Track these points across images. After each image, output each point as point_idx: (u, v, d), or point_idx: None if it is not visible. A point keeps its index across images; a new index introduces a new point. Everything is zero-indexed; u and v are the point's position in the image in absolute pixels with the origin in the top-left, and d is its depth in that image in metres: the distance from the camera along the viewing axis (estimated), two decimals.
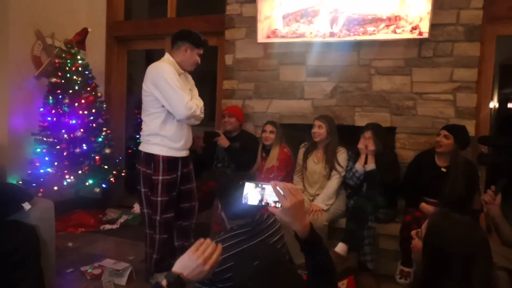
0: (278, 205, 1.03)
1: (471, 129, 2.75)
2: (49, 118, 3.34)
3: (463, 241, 1.02)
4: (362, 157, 2.66)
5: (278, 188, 1.02)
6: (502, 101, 5.75)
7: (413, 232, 1.23)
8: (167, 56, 2.30)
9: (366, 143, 2.64)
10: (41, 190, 3.16)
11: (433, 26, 2.74)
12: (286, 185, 1.02)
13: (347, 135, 2.88)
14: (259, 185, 1.06)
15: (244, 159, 2.95)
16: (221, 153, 3.09)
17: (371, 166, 2.61)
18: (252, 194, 1.06)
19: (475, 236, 1.03)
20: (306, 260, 1.15)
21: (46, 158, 3.29)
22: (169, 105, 2.16)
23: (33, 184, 3.17)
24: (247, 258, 1.14)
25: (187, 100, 2.15)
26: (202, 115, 2.32)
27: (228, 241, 1.43)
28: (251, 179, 1.12)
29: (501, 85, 5.85)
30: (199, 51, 2.31)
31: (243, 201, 1.06)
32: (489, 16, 2.81)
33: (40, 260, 1.88)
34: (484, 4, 2.73)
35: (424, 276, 1.08)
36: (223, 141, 2.96)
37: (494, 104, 5.49)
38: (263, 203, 1.05)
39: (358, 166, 2.65)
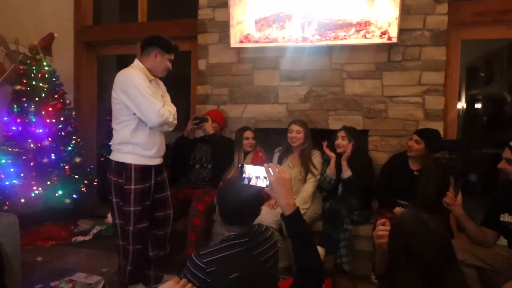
0: (261, 183, 1.22)
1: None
2: (14, 128, 3.20)
3: (409, 234, 1.04)
4: (332, 162, 2.69)
5: (269, 166, 1.20)
6: (470, 102, 6.01)
7: (379, 222, 1.29)
8: (136, 62, 2.24)
9: (340, 142, 2.70)
10: (7, 203, 3.01)
11: (401, 31, 2.82)
12: (274, 165, 1.21)
13: (321, 139, 2.91)
14: (254, 167, 1.24)
15: (224, 151, 2.95)
16: (200, 153, 3.06)
17: (347, 173, 2.63)
18: (247, 174, 1.24)
19: (426, 230, 1.04)
20: (292, 244, 1.23)
21: (12, 170, 3.13)
22: (140, 113, 2.11)
23: None
24: (225, 269, 1.12)
25: (159, 107, 2.11)
26: (175, 122, 2.28)
27: (224, 251, 1.40)
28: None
29: (468, 87, 6.12)
30: (170, 57, 2.27)
31: (243, 182, 1.23)
32: (454, 21, 2.92)
33: (4, 277, 1.78)
34: (449, 10, 2.84)
35: (387, 267, 1.12)
36: (210, 127, 2.93)
37: (462, 105, 5.73)
38: (248, 180, 1.23)
39: (329, 171, 2.69)
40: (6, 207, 2.97)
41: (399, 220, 1.11)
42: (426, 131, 2.60)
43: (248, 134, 2.96)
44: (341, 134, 2.73)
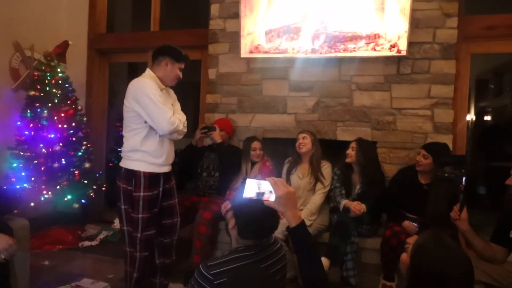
0: (272, 197, 1.22)
1: (448, 144, 2.82)
2: (26, 132, 3.25)
3: (441, 261, 1.03)
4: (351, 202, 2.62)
5: (273, 181, 1.23)
6: (479, 114, 5.97)
7: (407, 246, 1.25)
8: (148, 71, 2.28)
9: (349, 152, 2.70)
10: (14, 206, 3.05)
11: (410, 44, 2.83)
12: (279, 179, 1.24)
13: (329, 149, 2.92)
14: (258, 181, 1.25)
15: (231, 160, 2.96)
16: (207, 161, 3.08)
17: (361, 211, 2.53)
18: (251, 188, 1.25)
19: (455, 259, 1.04)
20: (297, 257, 1.24)
21: (23, 173, 3.19)
22: (151, 121, 2.14)
23: None
24: (237, 283, 1.13)
25: (170, 115, 2.14)
26: (185, 130, 2.31)
27: (233, 263, 1.38)
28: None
29: (477, 99, 6.08)
30: (180, 65, 2.30)
31: (244, 196, 1.23)
32: (464, 35, 2.93)
33: (10, 281, 1.80)
34: (459, 23, 2.85)
35: None
36: (217, 136, 2.95)
37: (471, 117, 5.69)
38: (260, 195, 1.24)
39: (343, 203, 2.63)
40: (16, 211, 3.01)
41: (423, 247, 1.09)
42: (434, 146, 2.57)
43: (256, 144, 2.97)
44: (352, 145, 2.73)
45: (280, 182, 1.22)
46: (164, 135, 2.20)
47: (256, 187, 1.24)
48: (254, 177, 1.27)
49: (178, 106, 2.38)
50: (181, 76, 2.33)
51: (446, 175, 2.48)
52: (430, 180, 2.52)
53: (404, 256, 1.17)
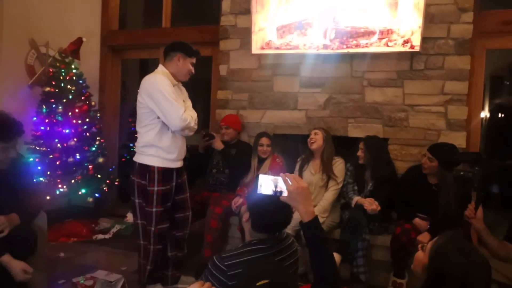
0: (285, 193, 1.24)
1: (461, 141, 2.79)
2: (42, 127, 3.33)
3: (465, 267, 1.03)
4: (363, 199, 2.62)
5: (285, 176, 1.24)
6: (493, 111, 5.86)
7: (420, 246, 1.24)
8: (160, 68, 2.31)
9: (360, 154, 2.69)
10: (39, 199, 3.13)
11: (424, 39, 2.79)
12: (292, 175, 1.25)
13: (341, 146, 2.91)
14: (271, 177, 1.26)
15: (238, 163, 2.97)
16: (216, 158, 3.10)
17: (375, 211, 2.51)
18: (266, 184, 1.26)
19: (477, 264, 1.04)
20: (309, 252, 1.25)
21: (39, 168, 3.27)
22: (164, 117, 2.17)
23: None
24: (252, 276, 1.14)
25: (182, 112, 2.17)
26: (196, 127, 2.33)
27: (246, 256, 1.41)
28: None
29: (492, 96, 5.96)
30: (192, 60, 2.33)
31: (258, 191, 1.25)
32: (479, 30, 2.87)
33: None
34: (474, 19, 2.79)
35: None
36: (218, 144, 2.97)
37: (485, 114, 5.58)
38: (274, 191, 1.26)
39: (355, 199, 2.63)
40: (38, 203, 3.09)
41: (444, 250, 1.08)
42: (439, 148, 2.49)
43: (264, 141, 2.97)
44: (361, 145, 2.70)
45: (292, 177, 1.24)
46: (176, 131, 2.23)
47: (269, 183, 1.26)
48: (267, 173, 1.28)
49: (189, 103, 2.41)
50: (193, 71, 2.35)
51: (461, 173, 2.44)
52: (438, 182, 2.47)
53: (421, 255, 1.16)
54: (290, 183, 1.23)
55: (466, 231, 2.32)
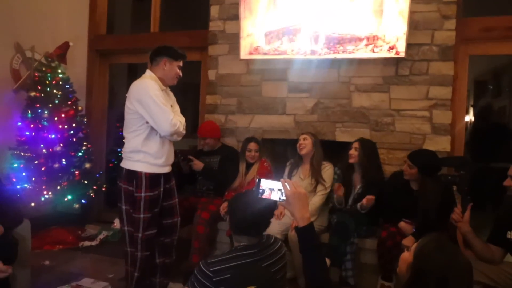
0: (275, 196, 1.26)
1: (446, 145, 2.85)
2: (27, 133, 3.27)
3: (444, 266, 1.06)
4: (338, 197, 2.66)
5: (284, 181, 1.26)
6: (478, 115, 5.99)
7: (405, 247, 1.28)
8: (148, 73, 2.30)
9: (352, 153, 2.69)
10: (18, 206, 3.06)
11: (409, 45, 2.85)
12: (291, 181, 1.29)
13: (328, 150, 2.93)
14: (272, 182, 1.29)
15: (221, 177, 2.98)
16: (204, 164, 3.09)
17: (365, 208, 2.56)
18: (264, 188, 1.28)
19: (456, 263, 1.07)
20: (303, 257, 1.26)
21: (23, 174, 3.21)
22: (153, 122, 2.16)
23: None
24: (239, 282, 1.15)
25: (171, 117, 2.16)
26: (184, 131, 2.33)
27: (233, 261, 1.41)
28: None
29: (476, 99, 6.10)
30: (178, 63, 2.32)
31: (259, 195, 1.27)
32: (462, 37, 2.95)
33: (10, 282, 1.82)
34: (457, 26, 2.87)
35: None
36: (198, 165, 2.96)
37: (470, 118, 5.71)
38: (262, 192, 1.27)
39: (337, 197, 2.67)
40: (17, 211, 3.02)
41: (426, 250, 1.11)
42: (418, 156, 2.50)
43: (252, 146, 2.98)
44: (355, 145, 2.72)
45: (290, 183, 1.26)
46: (165, 136, 2.22)
47: (268, 187, 1.28)
48: (267, 178, 1.30)
49: (177, 108, 2.40)
50: (181, 74, 2.34)
51: (449, 177, 2.48)
52: (418, 189, 2.49)
53: (406, 255, 1.19)
54: (288, 188, 1.25)
55: (451, 234, 2.35)
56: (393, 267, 2.41)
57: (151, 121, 2.16)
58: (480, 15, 3.02)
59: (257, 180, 1.29)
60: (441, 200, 2.36)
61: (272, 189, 1.26)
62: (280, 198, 1.27)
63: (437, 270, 1.06)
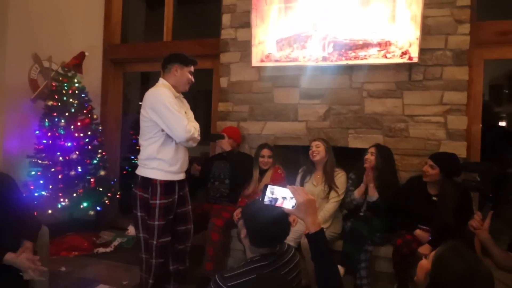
0: (287, 204, 1.26)
1: (462, 151, 2.80)
2: (44, 141, 3.35)
3: (463, 274, 1.04)
4: (362, 187, 2.64)
5: (293, 188, 1.26)
6: (493, 120, 5.87)
7: (421, 254, 1.26)
8: (161, 81, 2.33)
9: (368, 157, 2.67)
10: (35, 213, 3.13)
11: (422, 50, 2.83)
12: (300, 187, 1.29)
13: (341, 157, 2.92)
14: (278, 188, 1.28)
15: (242, 167, 3.00)
16: (217, 170, 3.11)
17: (374, 197, 2.57)
18: (272, 195, 1.27)
19: (476, 272, 1.04)
20: (314, 264, 1.26)
21: (41, 181, 3.27)
22: (168, 129, 2.19)
23: None
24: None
25: (186, 123, 2.19)
26: (199, 137, 2.35)
27: (250, 275, 1.36)
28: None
29: (491, 104, 5.97)
30: (189, 69, 2.35)
31: (265, 202, 1.26)
32: (476, 41, 2.91)
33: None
34: (471, 30, 2.84)
35: None
36: (226, 144, 3.01)
37: (485, 123, 5.59)
38: (275, 201, 1.26)
39: (357, 194, 2.65)
40: (35, 215, 3.08)
41: (444, 257, 1.10)
42: (441, 156, 2.52)
43: (265, 152, 2.99)
44: (371, 150, 2.71)
45: (300, 189, 1.26)
46: (180, 142, 2.24)
47: (276, 194, 1.28)
48: (275, 185, 1.30)
49: (191, 114, 2.43)
50: (193, 79, 2.38)
51: (473, 183, 2.44)
52: (438, 191, 2.48)
53: (424, 263, 1.17)
54: (299, 196, 1.25)
55: (469, 241, 2.30)
56: (409, 275, 2.37)
57: (166, 129, 2.19)
58: (494, 19, 2.98)
59: (263, 186, 1.28)
60: (459, 204, 2.32)
61: (284, 197, 1.26)
62: (292, 206, 1.26)
63: (456, 278, 1.04)
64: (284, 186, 1.27)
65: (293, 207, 1.26)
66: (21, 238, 1.86)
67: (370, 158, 2.68)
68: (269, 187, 1.28)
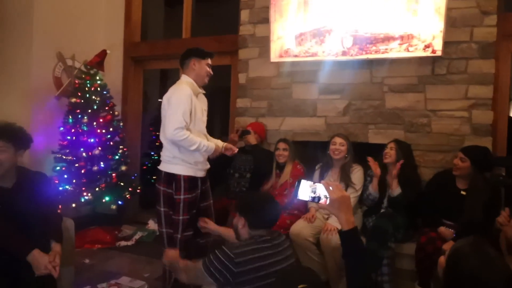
0: (325, 200, 1.25)
1: (487, 147, 2.71)
2: (68, 137, 3.45)
3: (478, 270, 1.01)
4: (375, 180, 2.62)
5: (328, 184, 1.26)
6: None
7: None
8: (184, 77, 2.34)
9: (388, 152, 2.64)
10: (60, 207, 3.23)
11: (446, 43, 2.75)
12: (334, 183, 1.27)
13: (360, 153, 2.88)
14: (313, 183, 1.28)
15: (265, 162, 3.01)
16: (239, 162, 3.14)
17: (396, 191, 2.53)
18: (304, 190, 1.27)
19: (493, 268, 1.02)
20: (346, 263, 1.26)
21: (65, 176, 3.38)
22: (164, 120, 2.22)
23: None
24: (292, 280, 1.17)
25: (177, 126, 2.14)
26: (192, 148, 2.22)
27: (255, 253, 1.52)
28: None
29: None
30: (207, 61, 2.36)
31: (297, 197, 1.27)
32: (504, 33, 2.80)
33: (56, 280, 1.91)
34: (498, 21, 2.73)
35: None
36: (252, 139, 3.05)
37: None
38: (314, 198, 1.27)
39: (372, 189, 2.63)
40: (59, 211, 3.19)
41: (460, 252, 1.07)
42: (472, 149, 2.46)
43: (280, 145, 2.97)
44: (391, 145, 2.67)
45: (335, 186, 1.25)
46: (167, 137, 2.23)
47: (309, 189, 1.27)
48: (309, 180, 1.30)
49: (205, 113, 2.41)
50: (211, 72, 2.39)
51: (500, 178, 2.37)
52: (468, 185, 2.42)
53: (442, 259, 1.17)
54: (333, 192, 1.23)
55: (494, 239, 2.24)
56: (431, 273, 2.32)
57: (163, 119, 2.22)
58: None
59: (297, 181, 1.29)
60: (489, 199, 2.25)
61: (313, 190, 1.25)
62: (319, 200, 1.26)
63: (471, 275, 1.01)
64: (319, 182, 1.27)
65: (319, 199, 1.26)
66: (49, 238, 1.88)
67: (390, 152, 2.64)
68: (303, 182, 1.27)
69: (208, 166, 2.42)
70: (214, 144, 2.35)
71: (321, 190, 1.26)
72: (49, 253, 1.80)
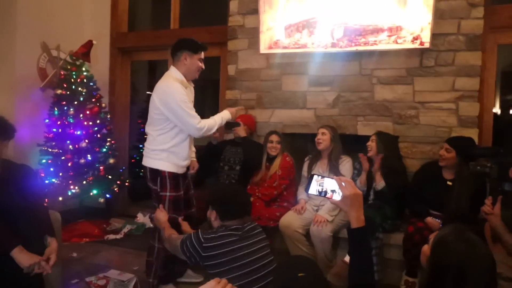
0: (336, 196, 1.21)
1: (474, 138, 2.75)
2: (54, 129, 3.39)
3: (462, 257, 1.03)
4: (364, 175, 2.65)
5: (340, 180, 1.21)
6: (504, 108, 5.76)
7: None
8: (173, 71, 2.29)
9: (369, 144, 2.66)
10: (46, 200, 3.17)
11: (434, 35, 2.76)
12: (347, 179, 1.23)
13: (350, 144, 2.90)
14: (320, 178, 1.26)
15: (255, 154, 3.00)
16: (228, 155, 3.12)
17: (380, 184, 2.56)
18: (317, 185, 1.25)
19: (477, 254, 1.03)
20: (350, 259, 1.24)
21: (51, 169, 3.32)
22: (182, 125, 2.21)
23: None
24: (292, 268, 1.16)
25: (197, 122, 2.19)
26: (210, 132, 2.33)
27: (222, 239, 1.62)
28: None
29: (503, 92, 5.86)
30: (199, 56, 2.30)
31: (308, 192, 1.26)
32: (490, 25, 2.83)
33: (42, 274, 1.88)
34: (485, 14, 2.76)
35: (425, 284, 1.11)
36: (242, 131, 3.03)
37: (496, 110, 5.49)
38: (321, 192, 1.24)
39: (359, 183, 2.65)
40: (45, 205, 3.13)
41: (444, 240, 1.08)
42: (457, 139, 2.51)
43: (273, 137, 2.97)
44: (372, 137, 2.70)
45: (347, 182, 1.22)
46: (195, 136, 2.31)
47: (316, 184, 1.25)
48: (320, 175, 1.27)
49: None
50: (203, 66, 2.34)
51: (478, 168, 2.41)
52: (454, 176, 2.46)
53: (425, 248, 1.18)
54: (346, 188, 1.20)
55: (480, 229, 2.28)
56: (418, 262, 2.35)
57: (179, 125, 2.21)
58: (510, 3, 2.89)
59: (309, 176, 1.27)
60: (475, 189, 2.29)
61: (333, 190, 1.21)
62: (325, 194, 1.23)
63: (456, 261, 1.02)
64: (331, 177, 1.24)
65: (326, 194, 1.24)
66: (43, 233, 1.84)
67: (371, 145, 2.66)
68: (315, 177, 1.25)
69: (189, 161, 2.40)
70: (223, 112, 2.42)
71: (328, 185, 1.23)
72: (46, 250, 1.78)
